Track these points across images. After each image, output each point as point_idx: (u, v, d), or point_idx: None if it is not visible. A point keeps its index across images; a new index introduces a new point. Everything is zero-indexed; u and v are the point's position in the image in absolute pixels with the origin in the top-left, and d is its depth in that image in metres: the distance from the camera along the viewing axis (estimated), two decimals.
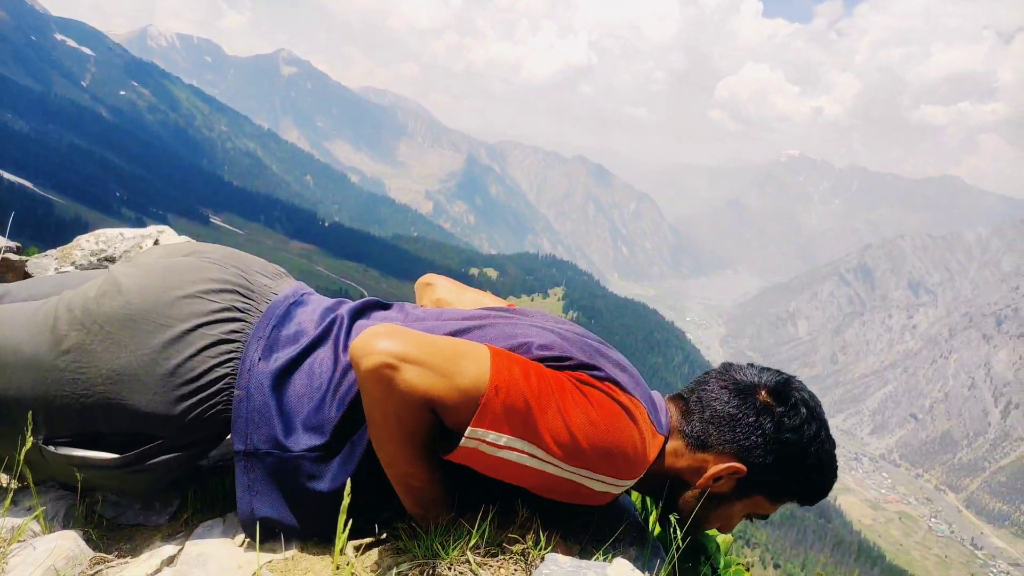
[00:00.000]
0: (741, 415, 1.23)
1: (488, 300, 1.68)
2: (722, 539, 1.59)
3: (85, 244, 2.64)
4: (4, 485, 1.33)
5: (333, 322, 1.24)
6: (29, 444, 1.11)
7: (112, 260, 2.58)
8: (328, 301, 1.34)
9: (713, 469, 1.23)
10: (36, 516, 1.18)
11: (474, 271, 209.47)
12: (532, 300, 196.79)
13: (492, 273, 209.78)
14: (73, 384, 1.12)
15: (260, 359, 1.16)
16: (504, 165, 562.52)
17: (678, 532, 1.25)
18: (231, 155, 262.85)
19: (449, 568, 1.09)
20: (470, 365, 1.05)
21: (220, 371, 1.15)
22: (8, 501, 1.21)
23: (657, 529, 1.46)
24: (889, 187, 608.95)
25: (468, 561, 1.10)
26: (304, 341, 1.19)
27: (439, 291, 1.66)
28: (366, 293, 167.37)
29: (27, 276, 2.61)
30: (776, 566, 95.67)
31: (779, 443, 1.22)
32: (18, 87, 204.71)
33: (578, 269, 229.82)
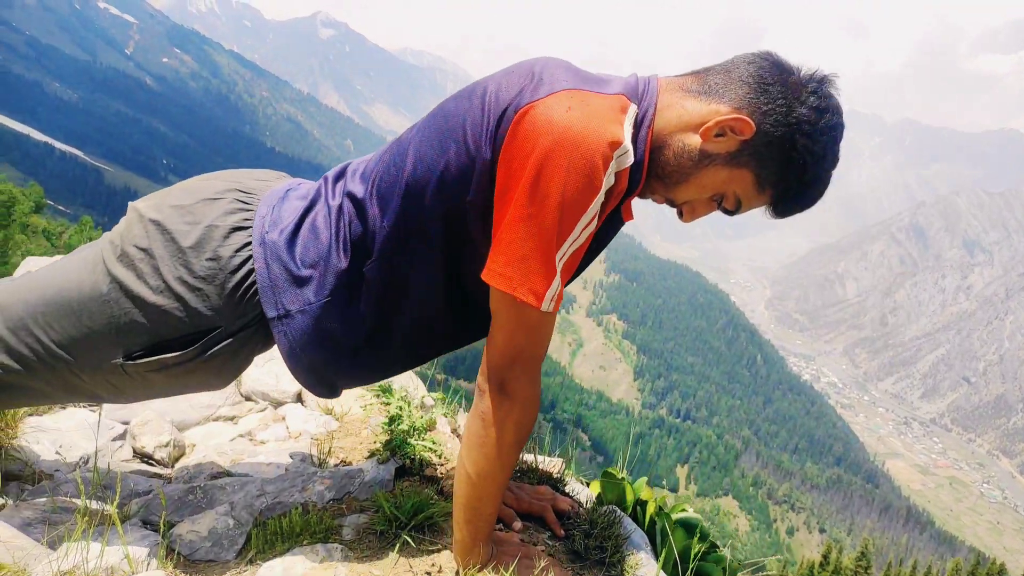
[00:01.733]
0: (772, 81, 1.19)
1: None
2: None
3: None
4: (86, 515, 1.45)
5: (321, 184, 1.37)
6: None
7: None
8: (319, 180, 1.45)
9: (724, 117, 1.19)
10: (126, 557, 1.33)
11: None
12: None
13: None
14: (130, 303, 1.28)
15: (268, 232, 1.30)
16: None
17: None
18: (272, 121, 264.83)
19: None
20: (507, 310, 1.17)
21: (243, 253, 1.29)
22: (104, 543, 1.34)
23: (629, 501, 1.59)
24: (944, 141, 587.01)
25: None
26: (302, 208, 1.33)
27: None
28: None
29: None
30: (822, 531, 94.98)
31: (795, 119, 1.18)
32: (65, 56, 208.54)
33: (620, 231, 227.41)
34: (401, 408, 1.89)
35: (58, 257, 1.48)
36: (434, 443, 1.84)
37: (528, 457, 1.88)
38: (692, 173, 1.24)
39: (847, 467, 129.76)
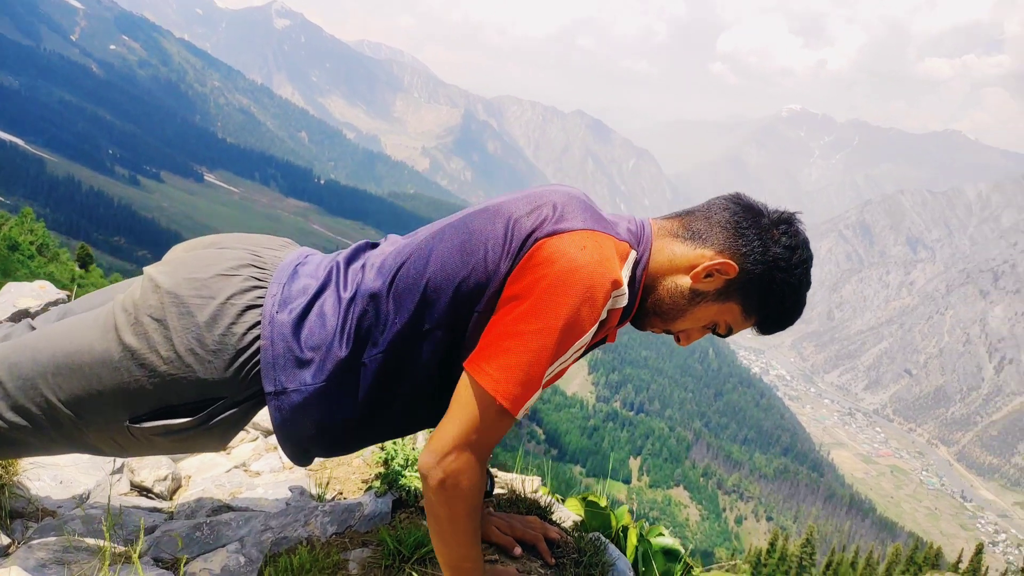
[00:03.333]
0: (747, 226, 1.40)
1: None
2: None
3: None
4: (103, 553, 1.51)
5: (332, 269, 1.43)
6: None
7: None
8: (328, 256, 1.53)
9: (708, 263, 1.38)
10: None
11: None
12: None
13: None
14: (141, 370, 1.33)
15: (277, 312, 1.36)
16: (502, 120, 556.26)
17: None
18: (224, 111, 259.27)
19: None
20: (478, 401, 1.25)
21: (254, 332, 1.36)
22: None
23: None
24: (891, 142, 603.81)
25: None
26: (311, 290, 1.39)
27: None
28: None
29: None
30: (769, 519, 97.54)
31: (772, 257, 1.38)
32: (6, 41, 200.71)
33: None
34: (395, 443, 1.94)
35: (65, 321, 1.49)
36: None
37: (516, 484, 1.94)
38: (687, 309, 1.43)
39: (794, 457, 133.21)
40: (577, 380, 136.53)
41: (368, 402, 1.39)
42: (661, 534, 1.91)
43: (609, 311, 1.31)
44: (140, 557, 1.54)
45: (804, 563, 37.36)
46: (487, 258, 1.31)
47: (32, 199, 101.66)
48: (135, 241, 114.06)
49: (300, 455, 1.48)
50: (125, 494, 1.96)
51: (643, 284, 1.41)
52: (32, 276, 28.53)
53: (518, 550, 1.63)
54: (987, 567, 36.24)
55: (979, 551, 35.91)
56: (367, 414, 1.41)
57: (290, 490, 1.97)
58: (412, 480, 1.87)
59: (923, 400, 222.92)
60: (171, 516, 1.83)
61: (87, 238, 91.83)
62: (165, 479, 1.98)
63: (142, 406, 1.37)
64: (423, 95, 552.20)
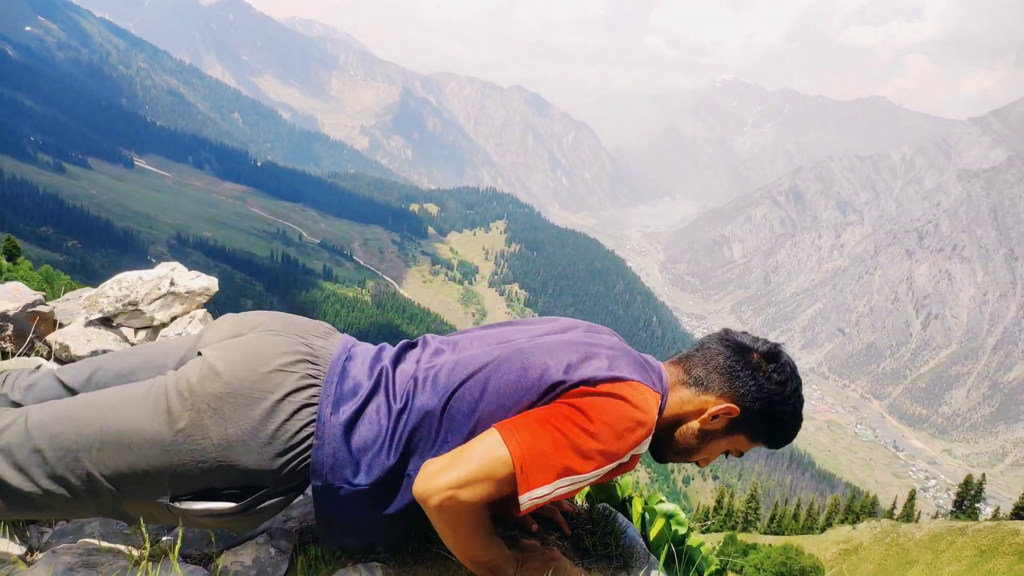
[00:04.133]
0: (739, 368, 1.57)
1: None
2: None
3: (109, 291, 2.82)
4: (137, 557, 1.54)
5: (381, 373, 1.52)
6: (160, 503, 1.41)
7: (135, 304, 2.81)
8: (371, 351, 1.60)
9: (713, 409, 1.56)
10: None
11: (415, 207, 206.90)
12: (475, 234, 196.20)
13: (433, 209, 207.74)
14: (191, 454, 1.37)
15: (331, 413, 1.43)
16: (440, 97, 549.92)
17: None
18: (152, 93, 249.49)
19: None
20: (498, 457, 1.35)
21: (307, 431, 1.43)
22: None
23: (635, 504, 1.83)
24: (819, 109, 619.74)
25: None
26: (362, 394, 1.47)
27: None
28: (305, 234, 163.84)
29: (57, 324, 2.79)
30: (715, 478, 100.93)
31: (767, 393, 1.56)
32: None
33: (519, 202, 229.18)
34: None
35: (109, 391, 1.51)
36: None
37: None
38: (699, 447, 1.62)
39: None
40: None
41: (407, 507, 1.46)
42: (661, 501, 2.04)
43: (632, 455, 1.46)
44: (166, 554, 1.57)
45: (750, 517, 39.28)
46: (541, 394, 1.45)
47: None
48: (64, 231, 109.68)
49: (334, 542, 1.55)
50: None
51: (660, 427, 1.58)
52: None
53: (535, 526, 1.77)
54: (919, 511, 38.66)
55: (912, 497, 38.33)
56: (404, 517, 1.49)
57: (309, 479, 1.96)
58: None
59: (856, 357, 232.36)
60: None
61: (12, 229, 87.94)
62: None
63: (186, 487, 1.41)
64: (359, 73, 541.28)
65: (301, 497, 1.82)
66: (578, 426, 1.38)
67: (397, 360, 1.56)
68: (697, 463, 1.68)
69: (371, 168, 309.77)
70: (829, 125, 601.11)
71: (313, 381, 1.47)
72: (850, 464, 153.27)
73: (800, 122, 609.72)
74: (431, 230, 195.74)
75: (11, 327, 2.58)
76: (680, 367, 1.65)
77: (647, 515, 1.96)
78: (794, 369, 1.61)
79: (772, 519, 40.48)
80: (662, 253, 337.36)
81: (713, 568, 1.93)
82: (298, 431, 1.42)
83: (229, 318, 1.63)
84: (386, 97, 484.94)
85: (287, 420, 1.41)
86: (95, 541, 1.65)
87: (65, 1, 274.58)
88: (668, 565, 1.81)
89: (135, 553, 1.57)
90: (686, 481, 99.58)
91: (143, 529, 1.50)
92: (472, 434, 1.43)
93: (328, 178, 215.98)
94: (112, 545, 1.61)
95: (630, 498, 2.03)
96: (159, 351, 1.67)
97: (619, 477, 1.90)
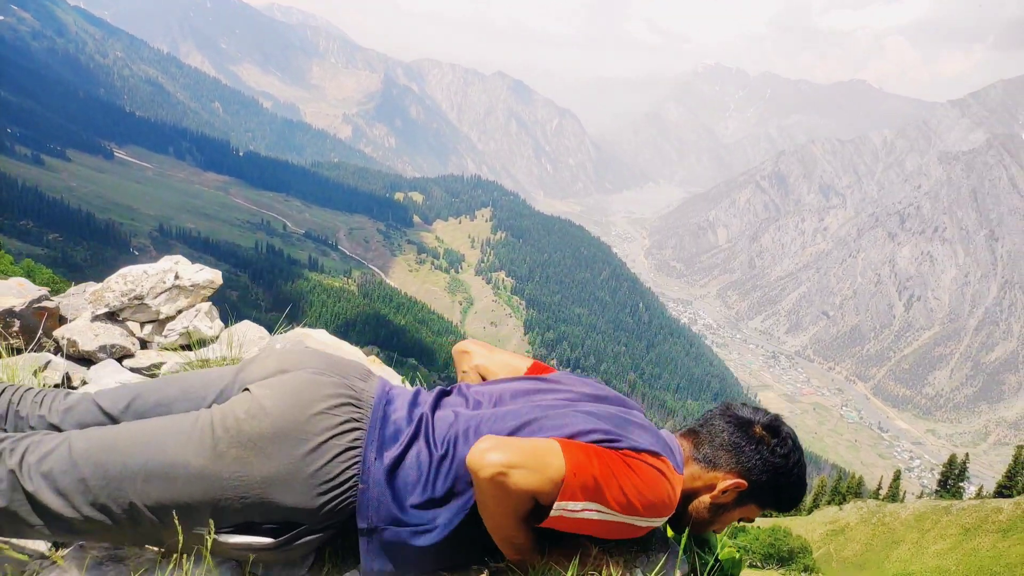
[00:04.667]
0: (743, 444, 1.67)
1: (517, 360, 2.05)
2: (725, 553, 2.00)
3: (115, 286, 2.83)
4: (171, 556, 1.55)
5: (421, 420, 1.58)
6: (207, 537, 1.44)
7: (141, 298, 2.82)
8: (408, 394, 1.66)
9: (722, 484, 1.65)
10: None
11: (399, 196, 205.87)
12: (460, 222, 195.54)
13: (417, 197, 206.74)
14: (234, 489, 1.41)
15: (375, 458, 1.49)
16: (423, 84, 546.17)
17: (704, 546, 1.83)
18: (130, 83, 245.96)
19: None
20: (553, 459, 1.42)
21: (350, 472, 1.48)
22: (188, 574, 1.46)
23: (671, 533, 1.90)
24: (801, 93, 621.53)
25: None
26: (404, 439, 1.53)
27: (475, 359, 2.06)
28: (289, 224, 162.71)
29: (63, 319, 2.80)
30: None
31: (772, 465, 1.66)
32: None
33: (503, 189, 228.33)
34: None
35: (151, 422, 1.54)
36: None
37: None
38: (712, 520, 1.72)
39: (723, 401, 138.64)
40: (514, 341, 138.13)
41: (449, 544, 1.53)
42: None
43: (648, 525, 1.55)
44: (194, 550, 1.58)
45: None
46: None
47: None
48: (44, 224, 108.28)
49: (374, 573, 1.57)
50: None
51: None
52: None
53: None
54: (904, 491, 39.15)
55: (897, 477, 38.82)
56: (448, 554, 1.55)
57: None
58: None
59: (840, 339, 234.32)
60: None
61: None
62: None
63: (226, 520, 1.44)
64: (340, 60, 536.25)
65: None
66: (626, 474, 1.47)
67: (435, 407, 1.62)
68: (714, 531, 1.78)
69: (355, 157, 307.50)
70: (811, 109, 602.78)
71: (357, 425, 1.51)
72: (836, 446, 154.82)
73: (782, 106, 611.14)
74: (416, 219, 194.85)
75: (18, 323, 2.58)
76: (689, 442, 1.75)
77: None
78: (795, 440, 1.70)
79: None
80: (647, 239, 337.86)
81: (728, 551, 2.00)
82: (340, 473, 1.46)
83: (274, 354, 1.65)
84: (368, 85, 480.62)
85: (330, 462, 1.45)
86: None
87: None
88: (684, 549, 1.87)
89: (161, 548, 1.58)
90: None
91: (175, 521, 1.49)
92: None
93: (311, 167, 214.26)
94: (179, 536, 1.57)
95: None
96: (199, 382, 1.71)
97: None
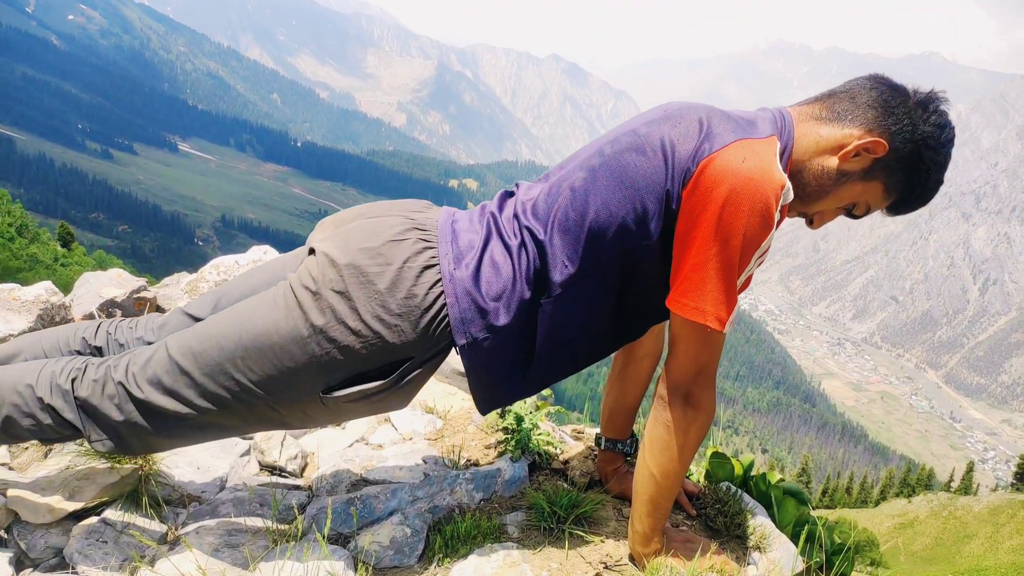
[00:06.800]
0: (896, 104, 1.40)
1: None
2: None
3: (208, 276, 2.91)
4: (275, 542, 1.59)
5: (489, 220, 1.51)
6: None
7: None
8: (473, 210, 1.61)
9: (859, 141, 1.39)
10: (331, 574, 1.45)
11: (454, 183, 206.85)
12: None
13: (472, 184, 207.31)
14: (330, 343, 1.39)
15: (455, 268, 1.42)
16: (476, 70, 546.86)
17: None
18: (192, 77, 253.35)
19: None
20: (698, 339, 1.36)
21: (436, 290, 1.41)
22: (307, 559, 1.48)
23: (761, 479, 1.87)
24: (869, 68, 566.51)
25: None
26: (478, 244, 1.46)
27: None
28: None
29: (159, 309, 2.84)
30: (764, 451, 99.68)
31: (922, 135, 1.39)
32: None
33: None
34: (519, 408, 2.00)
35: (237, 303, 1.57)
36: (550, 437, 2.01)
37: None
38: (831, 190, 1.46)
39: (785, 389, 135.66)
40: None
41: (551, 339, 1.46)
42: (782, 479, 1.99)
43: (781, 209, 1.35)
44: (304, 535, 1.61)
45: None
46: (650, 190, 1.36)
47: (5, 180, 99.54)
48: (114, 216, 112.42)
49: (488, 401, 1.54)
50: (256, 474, 2.03)
51: (788, 171, 1.45)
52: (14, 259, 27.93)
53: None
54: (978, 484, 37.29)
55: (970, 469, 36.93)
56: (549, 351, 1.48)
57: (423, 460, 2.03)
58: (540, 444, 1.97)
59: (910, 326, 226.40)
60: (310, 492, 1.89)
61: (65, 216, 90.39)
62: (295, 457, 2.04)
63: (334, 377, 1.42)
64: (394, 48, 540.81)
65: (424, 478, 1.86)
66: (717, 239, 1.31)
67: (500, 208, 1.56)
68: (811, 221, 1.55)
69: (409, 145, 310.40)
70: None
71: (427, 244, 1.46)
72: (905, 436, 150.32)
73: None
74: (471, 205, 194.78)
75: (119, 313, 2.65)
76: (819, 104, 1.50)
77: (772, 494, 1.91)
78: (951, 121, 1.44)
79: (824, 493, 39.49)
80: None
81: (839, 546, 1.89)
82: (426, 293, 1.41)
83: (327, 220, 1.64)
84: (422, 72, 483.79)
85: (413, 285, 1.41)
86: (241, 520, 1.69)
87: None
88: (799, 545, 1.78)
89: (276, 529, 1.60)
90: (734, 455, 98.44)
91: (294, 510, 1.51)
92: (586, 251, 1.40)
93: (367, 156, 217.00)
94: (250, 522, 1.65)
95: (751, 477, 1.99)
96: (277, 266, 1.71)
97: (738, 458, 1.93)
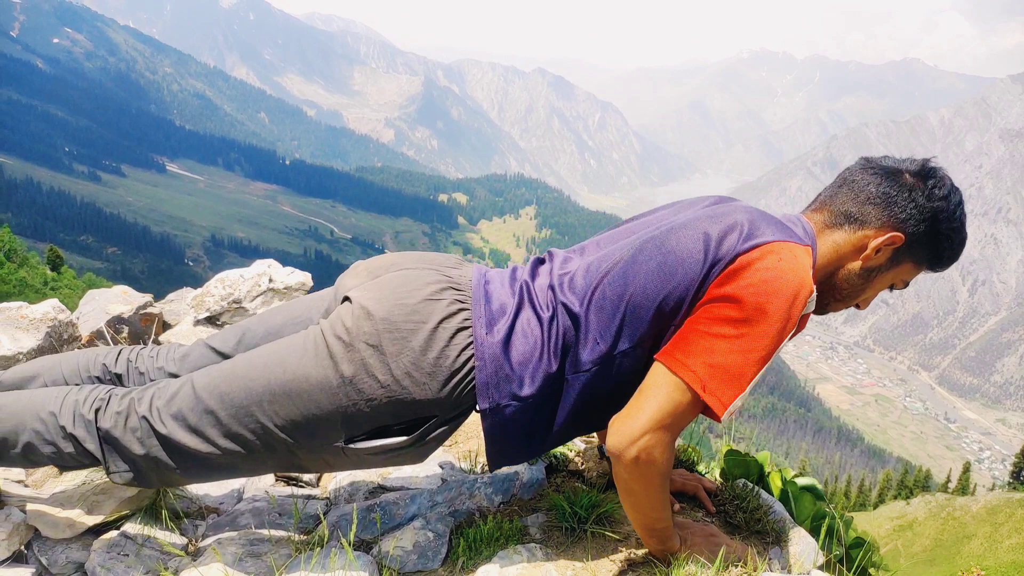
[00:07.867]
0: (895, 193, 1.45)
1: None
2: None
3: (214, 290, 2.94)
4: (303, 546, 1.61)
5: (523, 288, 1.52)
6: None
7: (239, 302, 2.92)
8: (505, 272, 1.62)
9: (875, 241, 1.45)
10: None
11: (443, 197, 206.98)
12: (504, 221, 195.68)
13: (461, 198, 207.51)
14: (358, 394, 1.40)
15: (487, 333, 1.44)
16: (463, 85, 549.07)
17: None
18: (179, 98, 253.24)
19: None
20: (675, 393, 1.32)
21: (467, 353, 1.43)
22: (334, 566, 1.49)
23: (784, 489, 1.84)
24: (851, 75, 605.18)
25: None
26: (510, 311, 1.47)
27: None
28: (336, 229, 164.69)
29: (166, 325, 2.90)
30: None
31: (931, 211, 1.44)
32: None
33: (547, 186, 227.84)
34: None
35: (266, 346, 1.55)
36: None
37: None
38: (864, 287, 1.53)
39: (781, 395, 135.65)
40: None
41: (573, 412, 1.48)
42: (800, 474, 2.00)
43: (802, 316, 1.36)
44: (327, 542, 1.62)
45: None
46: (688, 277, 1.38)
47: None
48: (103, 239, 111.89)
49: (500, 460, 1.55)
50: (273, 485, 2.03)
51: (817, 280, 1.49)
52: (4, 283, 27.72)
53: (676, 506, 1.76)
54: (975, 484, 37.26)
55: (966, 470, 36.89)
56: (571, 421, 1.49)
57: (440, 466, 2.02)
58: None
59: (901, 328, 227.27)
60: (328, 501, 1.89)
61: (54, 239, 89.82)
62: None
63: (358, 428, 1.44)
64: (381, 65, 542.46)
65: (442, 483, 1.87)
66: (737, 320, 1.32)
67: (532, 276, 1.57)
68: (858, 306, 1.60)
69: (398, 160, 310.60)
70: (862, 90, 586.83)
71: (462, 306, 1.48)
72: (900, 438, 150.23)
73: (832, 89, 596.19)
74: (461, 219, 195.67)
75: (127, 329, 2.69)
76: (824, 211, 1.55)
77: (788, 489, 1.91)
78: (950, 179, 1.49)
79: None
80: None
81: (858, 539, 1.88)
82: (458, 355, 1.42)
83: (361, 265, 1.64)
84: (409, 88, 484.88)
85: (446, 346, 1.42)
86: (262, 530, 1.69)
87: (90, 11, 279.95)
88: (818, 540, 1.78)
89: (297, 538, 1.61)
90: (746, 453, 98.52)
91: (319, 516, 1.53)
92: (620, 329, 1.41)
93: (356, 173, 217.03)
94: (270, 532, 1.65)
95: (767, 473, 1.99)
96: (302, 307, 1.72)
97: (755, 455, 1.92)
